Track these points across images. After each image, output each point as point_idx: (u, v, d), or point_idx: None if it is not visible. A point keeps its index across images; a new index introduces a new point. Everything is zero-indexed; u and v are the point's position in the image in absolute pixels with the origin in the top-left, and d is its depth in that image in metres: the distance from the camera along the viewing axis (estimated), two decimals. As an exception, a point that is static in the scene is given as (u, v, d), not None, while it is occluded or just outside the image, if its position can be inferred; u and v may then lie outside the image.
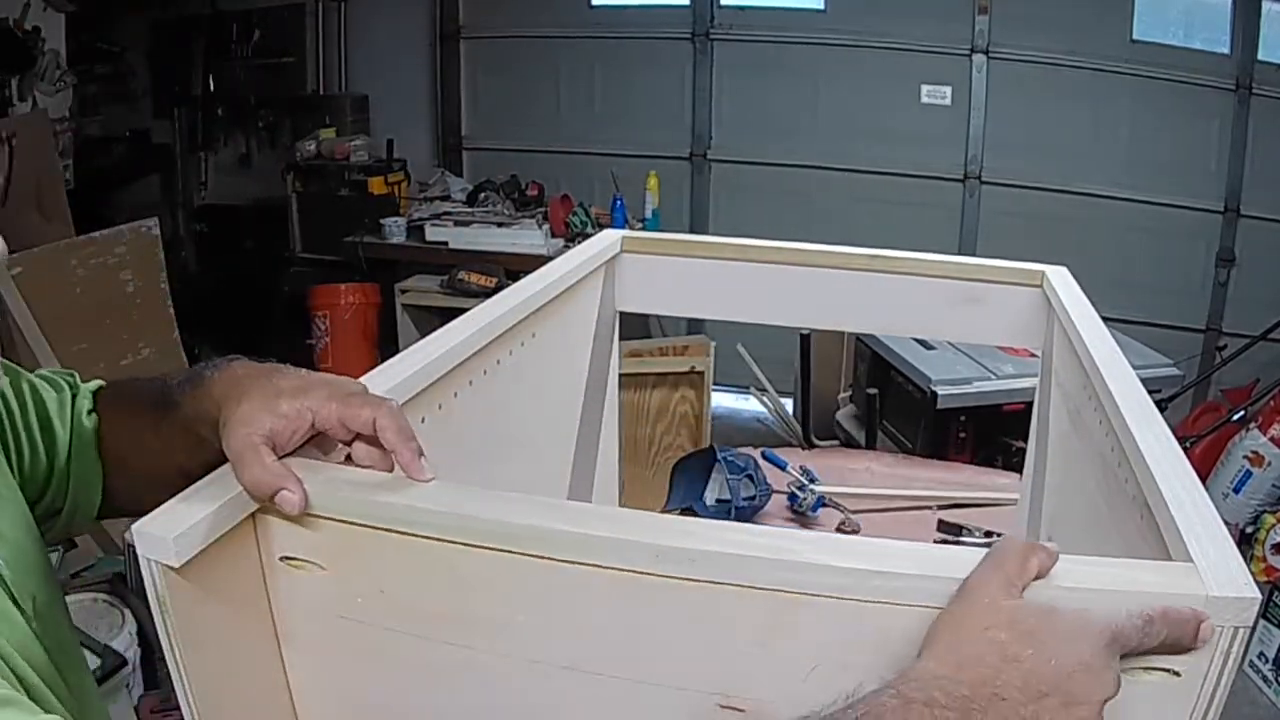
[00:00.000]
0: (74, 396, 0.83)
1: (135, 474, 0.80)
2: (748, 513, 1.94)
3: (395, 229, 4.12)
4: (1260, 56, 3.80)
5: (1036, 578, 0.56)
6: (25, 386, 0.80)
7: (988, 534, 1.91)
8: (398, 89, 4.83)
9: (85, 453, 0.81)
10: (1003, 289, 1.31)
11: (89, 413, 0.82)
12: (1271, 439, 3.14)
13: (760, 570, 0.57)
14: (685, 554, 0.57)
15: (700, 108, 4.52)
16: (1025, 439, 1.39)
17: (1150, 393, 0.87)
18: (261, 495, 0.63)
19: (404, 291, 3.95)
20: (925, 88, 4.22)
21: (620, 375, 1.53)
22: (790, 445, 2.87)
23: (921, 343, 2.84)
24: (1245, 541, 3.13)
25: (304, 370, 0.71)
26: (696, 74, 4.49)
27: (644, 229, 4.05)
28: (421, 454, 0.66)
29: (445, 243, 4.03)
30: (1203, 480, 0.68)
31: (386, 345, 3.96)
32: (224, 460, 0.64)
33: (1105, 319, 1.09)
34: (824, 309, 1.41)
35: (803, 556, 0.57)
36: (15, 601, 0.66)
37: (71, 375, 0.85)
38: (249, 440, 0.63)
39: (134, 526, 0.59)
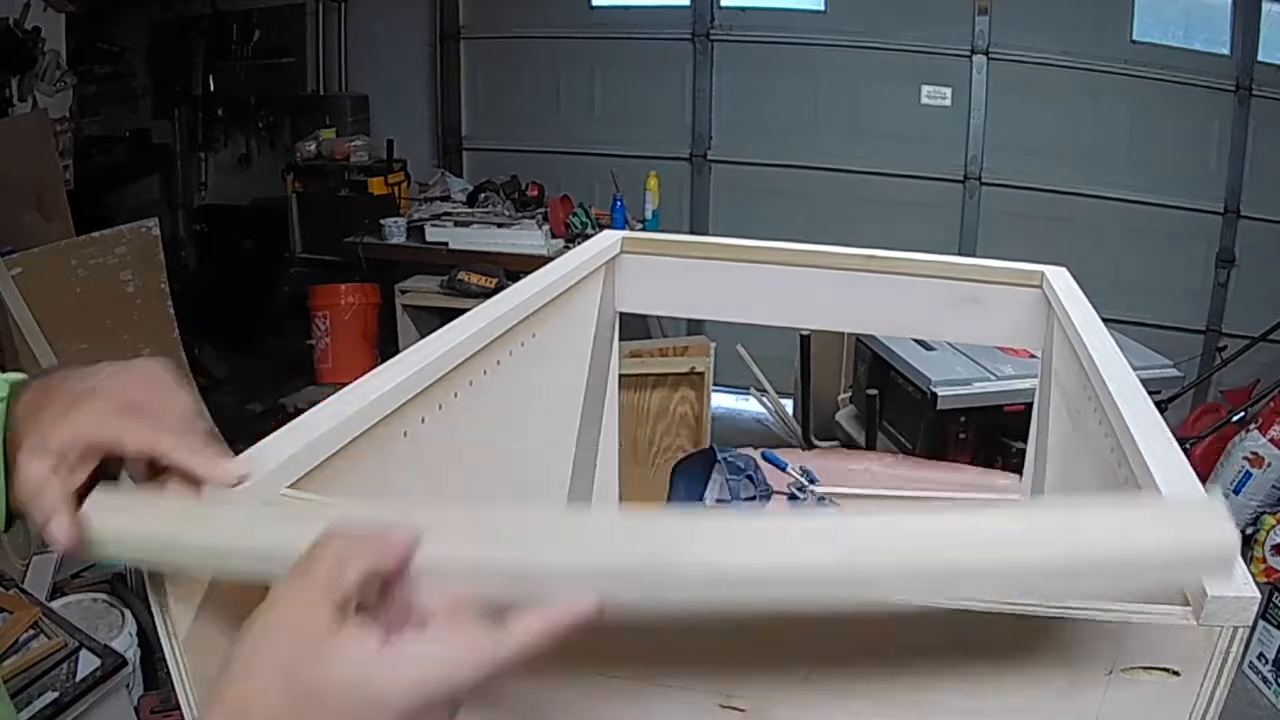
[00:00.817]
0: None
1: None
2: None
3: (395, 229, 4.12)
4: (1260, 57, 3.80)
5: (383, 583, 0.44)
6: None
7: (987, 534, 1.91)
8: (398, 89, 4.83)
9: None
10: (1002, 289, 1.31)
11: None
12: (1271, 440, 3.14)
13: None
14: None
15: (700, 108, 4.52)
16: (1025, 439, 1.39)
17: (1150, 394, 0.87)
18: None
19: (404, 292, 3.95)
20: (925, 88, 4.22)
21: (620, 375, 1.53)
22: (790, 446, 2.87)
23: (921, 343, 2.84)
24: (1245, 542, 3.13)
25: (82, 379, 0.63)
26: (696, 74, 4.49)
27: (644, 229, 4.05)
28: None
29: (445, 243, 4.03)
30: (1203, 481, 0.68)
31: (386, 345, 3.96)
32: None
33: (1105, 319, 1.09)
34: (824, 309, 1.42)
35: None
36: None
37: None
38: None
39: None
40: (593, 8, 4.57)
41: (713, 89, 4.50)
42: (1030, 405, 1.37)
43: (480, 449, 1.03)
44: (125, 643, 1.99)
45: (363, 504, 0.69)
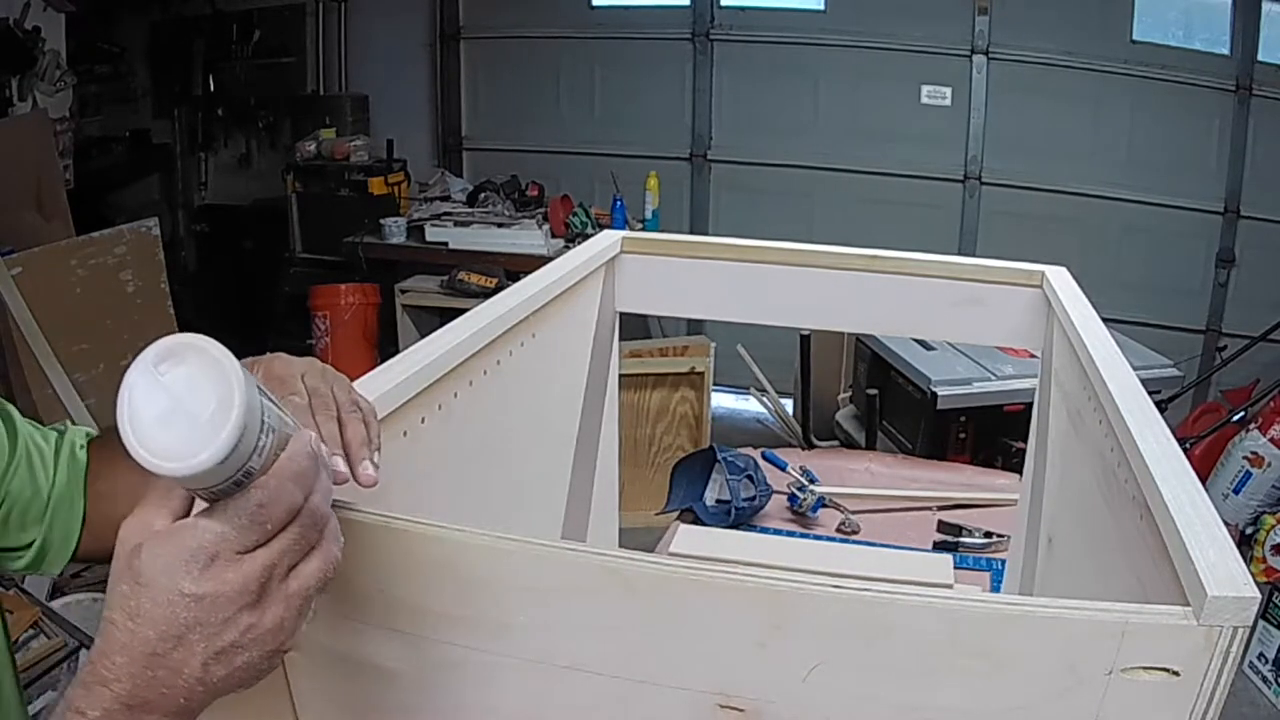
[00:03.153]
0: (59, 439, 0.83)
1: (120, 510, 0.80)
2: (748, 513, 1.94)
3: (395, 229, 4.12)
4: (1260, 57, 3.81)
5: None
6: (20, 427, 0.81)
7: (987, 534, 1.91)
8: (398, 89, 4.83)
9: (71, 493, 0.81)
10: (1002, 289, 1.31)
11: (81, 447, 0.83)
12: (1271, 440, 3.14)
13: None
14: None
15: (700, 108, 4.52)
16: (1025, 439, 1.39)
17: (1150, 393, 0.87)
18: None
19: (404, 292, 3.95)
20: (925, 88, 4.23)
21: (620, 375, 1.53)
22: (790, 445, 2.87)
23: (921, 343, 2.85)
24: (1245, 542, 3.13)
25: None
26: (696, 74, 4.49)
27: (644, 229, 4.05)
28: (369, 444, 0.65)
29: (445, 243, 4.03)
30: (1203, 481, 0.68)
31: (386, 345, 3.96)
32: None
33: (1105, 319, 1.09)
34: (824, 309, 1.41)
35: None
36: None
37: (64, 424, 0.86)
38: None
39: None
40: (593, 8, 4.57)
41: (713, 89, 4.50)
42: (1030, 405, 1.37)
43: (480, 449, 1.03)
44: (125, 643, 1.99)
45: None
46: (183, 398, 0.46)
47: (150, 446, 0.45)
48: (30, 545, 0.81)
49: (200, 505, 0.50)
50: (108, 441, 0.84)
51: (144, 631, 0.47)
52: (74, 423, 0.87)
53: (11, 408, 0.81)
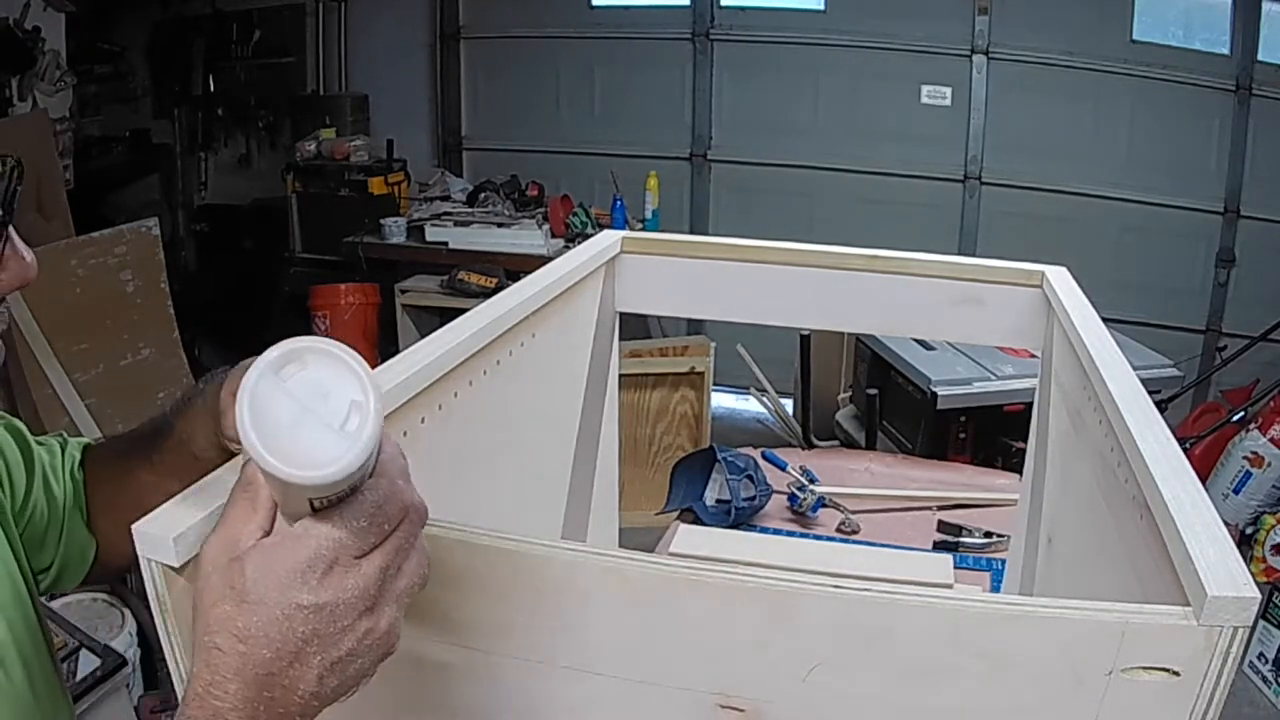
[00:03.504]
0: (61, 454, 0.83)
1: (127, 515, 0.80)
2: (748, 513, 1.94)
3: (395, 229, 4.12)
4: (1260, 57, 3.81)
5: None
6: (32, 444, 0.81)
7: (987, 534, 1.91)
8: (398, 89, 4.83)
9: (78, 507, 0.82)
10: (1002, 289, 1.31)
11: (79, 463, 0.83)
12: (1271, 440, 3.14)
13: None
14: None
15: (700, 108, 4.52)
16: (1025, 439, 1.39)
17: (1150, 393, 0.87)
18: None
19: (404, 291, 3.95)
20: (925, 88, 4.23)
21: (620, 375, 1.53)
22: (790, 445, 2.87)
23: (921, 343, 2.85)
24: (1245, 542, 3.13)
25: None
26: (696, 74, 4.49)
27: (644, 229, 4.05)
28: None
29: (445, 243, 4.04)
30: (1203, 481, 0.68)
31: (386, 345, 3.96)
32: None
33: (1105, 319, 1.09)
34: (824, 309, 1.41)
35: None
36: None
37: (60, 435, 0.86)
38: (228, 400, 0.64)
39: (134, 527, 0.59)
40: (592, 8, 4.57)
41: (713, 89, 4.50)
42: (1030, 405, 1.37)
43: (480, 449, 1.03)
44: (125, 643, 1.99)
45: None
46: (311, 402, 0.45)
47: (283, 454, 0.43)
48: (52, 565, 0.81)
49: (288, 513, 0.48)
50: (101, 453, 0.84)
51: (258, 652, 0.45)
52: (73, 422, 0.87)
53: (21, 425, 0.81)
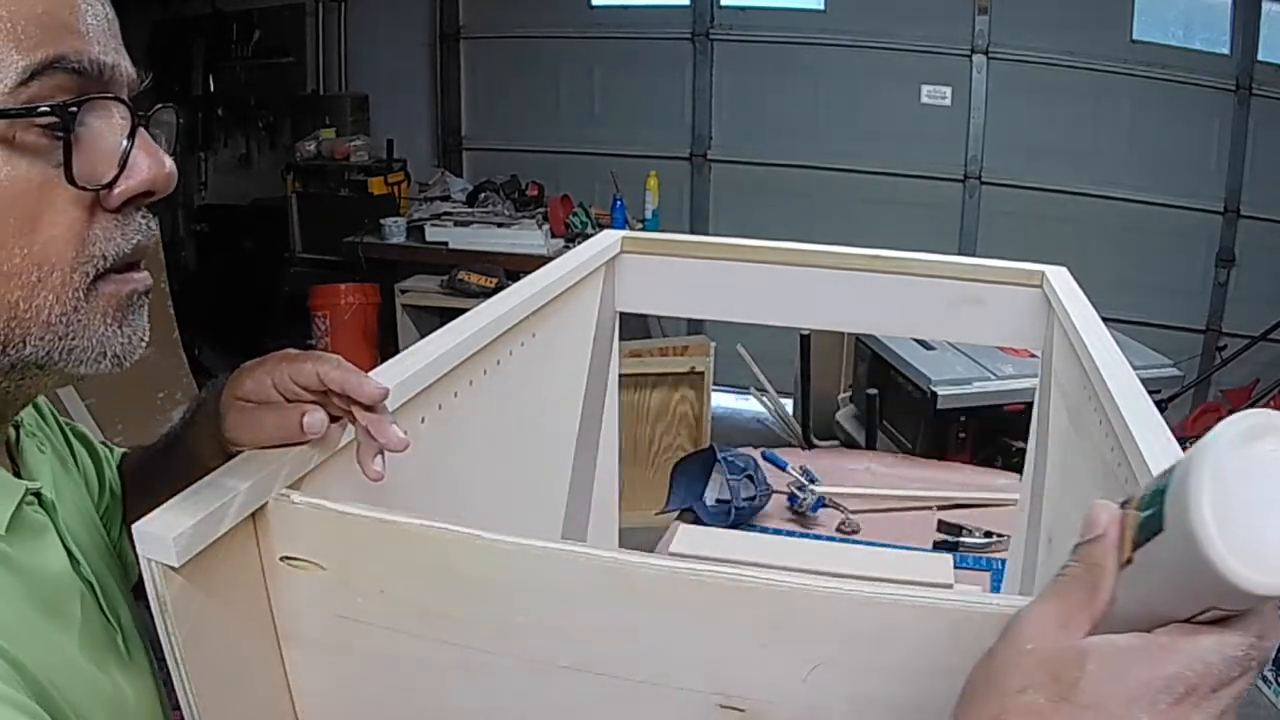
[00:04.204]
0: (109, 460, 0.84)
1: None
2: (747, 513, 1.94)
3: (395, 229, 4.12)
4: (1260, 57, 3.81)
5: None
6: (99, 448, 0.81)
7: (987, 534, 1.91)
8: (398, 89, 4.83)
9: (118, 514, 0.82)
10: (1002, 289, 1.31)
11: (118, 475, 0.84)
12: (1271, 439, 3.14)
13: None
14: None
15: (700, 108, 4.52)
16: (1025, 439, 1.39)
17: (1150, 393, 0.87)
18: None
19: (404, 291, 3.95)
20: (925, 88, 4.23)
21: (620, 375, 1.53)
22: (790, 445, 2.87)
23: (921, 343, 2.84)
24: (1245, 542, 3.12)
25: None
26: (696, 74, 4.49)
27: (644, 229, 4.05)
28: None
29: (445, 243, 4.04)
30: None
31: (386, 345, 3.96)
32: None
33: (1105, 319, 1.09)
34: (824, 309, 1.41)
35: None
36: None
37: (105, 444, 0.86)
38: (228, 402, 0.65)
39: (134, 526, 0.59)
40: (593, 8, 4.57)
41: (713, 89, 4.50)
42: (1030, 405, 1.37)
43: (480, 449, 1.03)
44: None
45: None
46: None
47: (1253, 553, 0.36)
48: None
49: (1142, 611, 0.41)
50: (130, 464, 0.84)
51: None
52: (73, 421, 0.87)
53: (86, 431, 0.81)
